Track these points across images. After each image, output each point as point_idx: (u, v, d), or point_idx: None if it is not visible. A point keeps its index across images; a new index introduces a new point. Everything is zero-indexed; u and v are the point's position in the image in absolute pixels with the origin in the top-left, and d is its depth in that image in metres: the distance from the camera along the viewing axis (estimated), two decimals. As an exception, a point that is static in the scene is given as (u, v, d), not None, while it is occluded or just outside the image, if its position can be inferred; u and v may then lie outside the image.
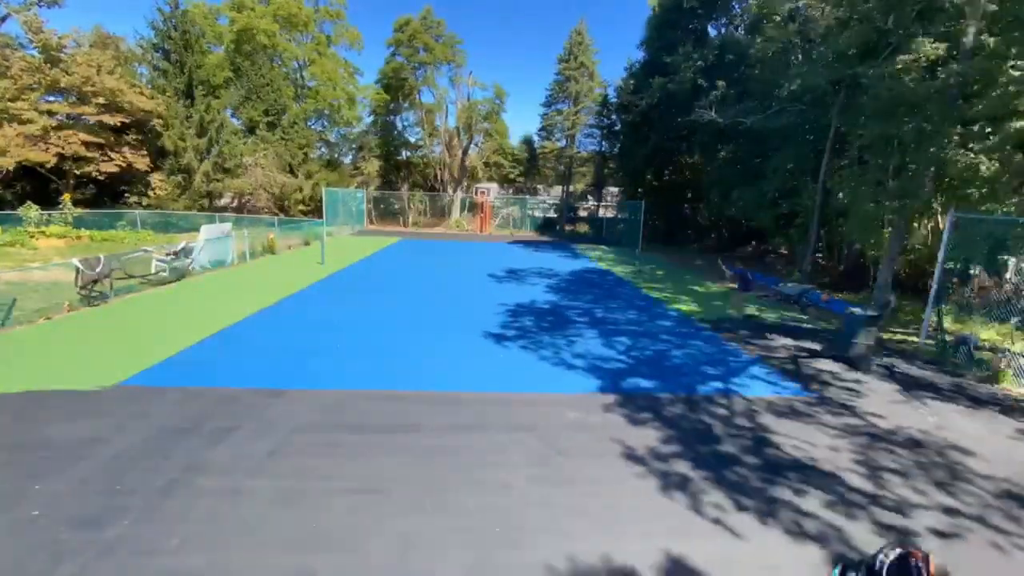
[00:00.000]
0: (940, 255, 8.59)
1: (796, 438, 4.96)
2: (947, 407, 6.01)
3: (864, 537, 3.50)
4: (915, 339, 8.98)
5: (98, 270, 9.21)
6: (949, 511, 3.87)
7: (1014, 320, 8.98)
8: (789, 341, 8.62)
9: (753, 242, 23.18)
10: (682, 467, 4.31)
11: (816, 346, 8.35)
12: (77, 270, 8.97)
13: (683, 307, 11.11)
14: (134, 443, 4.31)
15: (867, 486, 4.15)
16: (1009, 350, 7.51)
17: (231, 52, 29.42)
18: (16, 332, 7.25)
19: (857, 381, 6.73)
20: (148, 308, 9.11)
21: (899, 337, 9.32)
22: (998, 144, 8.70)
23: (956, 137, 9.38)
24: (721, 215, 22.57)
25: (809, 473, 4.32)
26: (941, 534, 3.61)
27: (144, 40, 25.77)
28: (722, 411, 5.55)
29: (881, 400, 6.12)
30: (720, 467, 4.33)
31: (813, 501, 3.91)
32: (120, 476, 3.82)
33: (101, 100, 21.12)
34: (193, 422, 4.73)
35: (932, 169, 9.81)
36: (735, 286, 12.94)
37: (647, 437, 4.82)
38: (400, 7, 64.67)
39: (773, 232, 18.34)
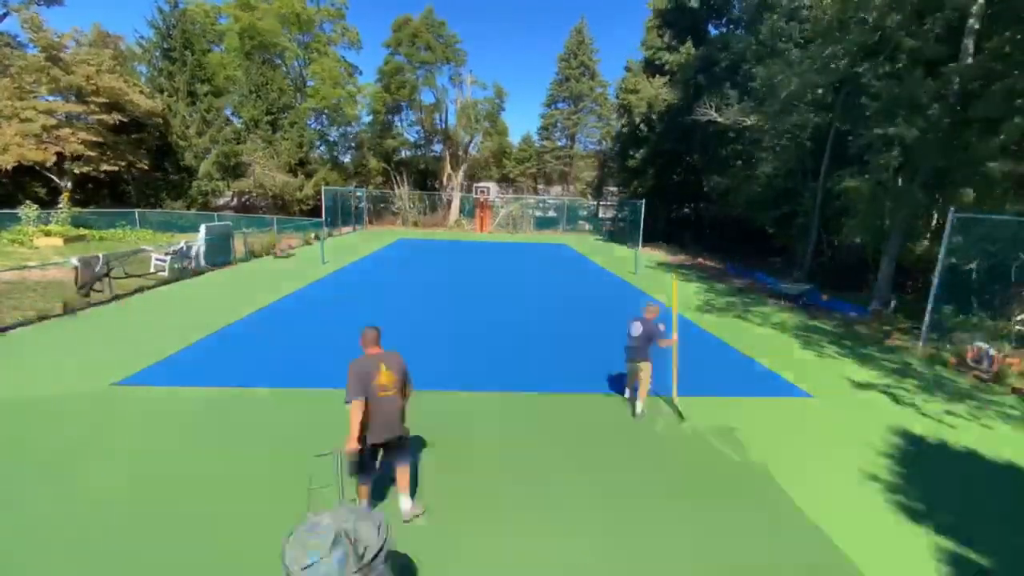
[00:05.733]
0: (941, 255, 8.52)
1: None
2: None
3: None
4: (917, 343, 8.85)
5: (97, 269, 9.20)
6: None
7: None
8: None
9: (753, 242, 23.09)
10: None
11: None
12: (76, 269, 8.96)
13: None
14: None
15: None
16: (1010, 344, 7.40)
17: (232, 51, 29.39)
18: (14, 333, 7.24)
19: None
20: (147, 307, 9.09)
21: (898, 342, 9.11)
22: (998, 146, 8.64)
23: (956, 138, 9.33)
24: (721, 215, 22.51)
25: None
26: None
27: (144, 40, 25.77)
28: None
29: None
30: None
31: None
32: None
33: (102, 99, 21.06)
34: (191, 423, 4.71)
35: (932, 169, 9.76)
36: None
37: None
38: (399, 7, 64.69)
39: (773, 232, 18.29)
